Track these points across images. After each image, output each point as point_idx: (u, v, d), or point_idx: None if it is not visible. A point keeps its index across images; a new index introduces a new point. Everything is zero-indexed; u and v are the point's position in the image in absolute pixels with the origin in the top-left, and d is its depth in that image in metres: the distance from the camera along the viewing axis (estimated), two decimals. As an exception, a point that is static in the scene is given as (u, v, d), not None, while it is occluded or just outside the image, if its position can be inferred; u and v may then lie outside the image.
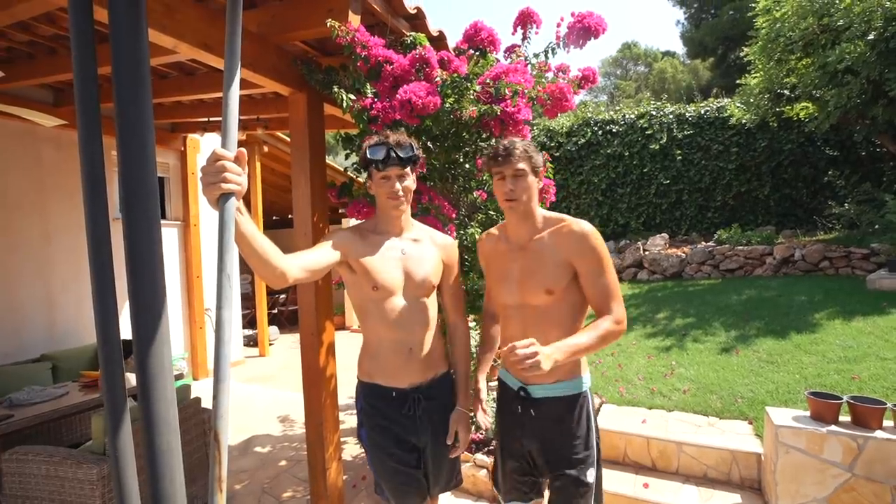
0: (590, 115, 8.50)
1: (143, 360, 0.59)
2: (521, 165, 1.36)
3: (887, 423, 2.07)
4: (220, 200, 0.78)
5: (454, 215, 2.40)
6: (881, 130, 5.75)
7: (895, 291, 4.41)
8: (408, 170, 1.47)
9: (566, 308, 1.40)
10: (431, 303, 1.57)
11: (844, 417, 2.14)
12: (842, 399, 2.12)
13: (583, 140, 8.25)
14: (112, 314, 0.61)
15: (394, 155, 1.42)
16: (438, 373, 1.58)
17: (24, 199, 3.83)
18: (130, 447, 0.63)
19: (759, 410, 2.79)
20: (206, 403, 2.59)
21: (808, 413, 2.20)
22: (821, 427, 2.07)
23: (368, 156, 1.44)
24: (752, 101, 6.46)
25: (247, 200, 6.16)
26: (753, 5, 6.15)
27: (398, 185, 1.45)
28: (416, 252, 1.54)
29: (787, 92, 6.15)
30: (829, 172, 6.71)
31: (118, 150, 0.59)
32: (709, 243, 6.82)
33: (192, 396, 2.63)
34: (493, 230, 1.59)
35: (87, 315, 4.17)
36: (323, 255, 1.38)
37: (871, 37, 4.88)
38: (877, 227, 5.57)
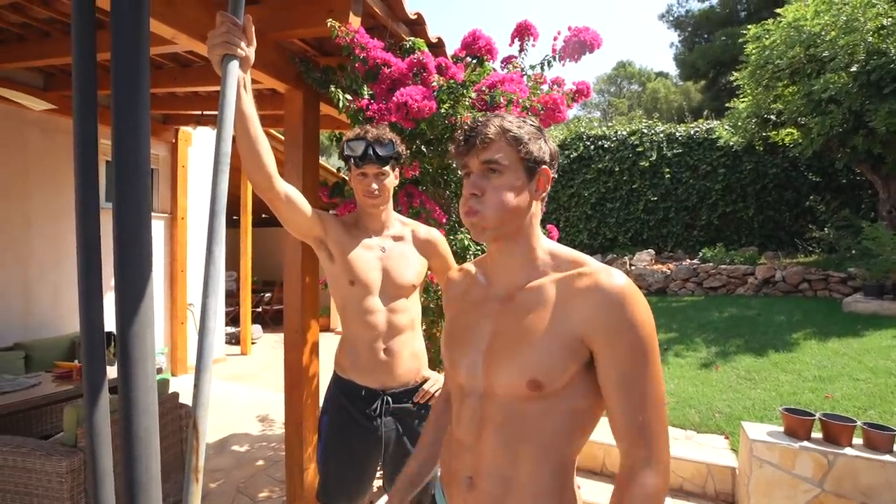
0: (583, 129, 8.64)
1: (126, 339, 0.58)
2: (492, 155, 0.76)
3: (857, 440, 2.12)
4: (224, 60, 0.75)
5: (444, 220, 2.41)
6: (860, 159, 5.96)
7: (869, 315, 4.54)
8: (387, 168, 1.37)
9: (561, 419, 0.79)
10: (412, 304, 1.49)
11: (817, 434, 2.19)
12: (814, 416, 2.17)
13: (575, 154, 8.38)
14: (97, 294, 0.61)
15: (371, 152, 1.33)
16: (416, 381, 1.49)
17: (7, 182, 3.74)
18: (107, 432, 0.62)
19: (735, 426, 2.84)
20: (184, 399, 2.55)
21: (782, 429, 2.24)
22: (794, 443, 2.12)
23: (346, 150, 1.37)
24: (739, 124, 6.65)
25: (237, 197, 6.10)
26: (745, 32, 6.35)
27: (374, 185, 1.37)
28: (397, 250, 1.47)
29: (773, 117, 6.35)
30: (811, 197, 6.92)
31: (112, 137, 0.59)
32: (693, 261, 6.95)
33: (170, 391, 2.59)
34: (470, 265, 0.98)
35: (64, 304, 4.07)
36: (305, 205, 1.33)
37: (853, 69, 5.07)
38: (854, 252, 5.74)
